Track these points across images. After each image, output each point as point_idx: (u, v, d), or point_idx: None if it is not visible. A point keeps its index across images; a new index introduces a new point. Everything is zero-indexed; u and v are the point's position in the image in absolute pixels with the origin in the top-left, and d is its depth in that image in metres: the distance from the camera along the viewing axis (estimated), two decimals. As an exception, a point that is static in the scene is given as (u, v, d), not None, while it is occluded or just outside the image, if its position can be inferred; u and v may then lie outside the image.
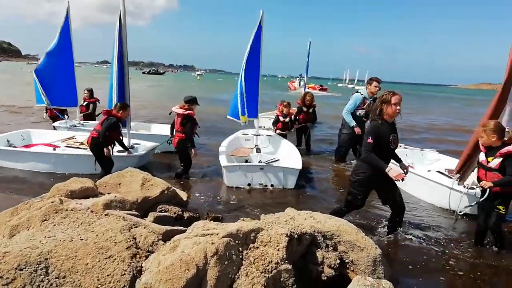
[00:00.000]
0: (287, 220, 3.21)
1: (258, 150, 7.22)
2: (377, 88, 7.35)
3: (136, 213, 3.41)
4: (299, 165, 6.20)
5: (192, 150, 6.35)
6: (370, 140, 3.89)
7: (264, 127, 16.32)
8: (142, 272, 2.49)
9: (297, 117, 8.94)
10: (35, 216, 2.95)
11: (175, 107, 6.36)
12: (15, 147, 6.84)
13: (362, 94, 7.57)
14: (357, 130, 7.55)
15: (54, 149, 6.71)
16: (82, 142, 6.98)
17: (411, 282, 3.49)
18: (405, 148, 7.63)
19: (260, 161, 6.43)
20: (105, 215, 3.03)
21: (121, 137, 6.29)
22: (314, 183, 6.79)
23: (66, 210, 3.02)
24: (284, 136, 8.31)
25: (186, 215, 4.03)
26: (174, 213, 3.91)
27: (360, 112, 7.59)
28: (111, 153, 5.94)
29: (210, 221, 3.28)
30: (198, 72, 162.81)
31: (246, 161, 6.79)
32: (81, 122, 8.73)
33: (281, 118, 8.35)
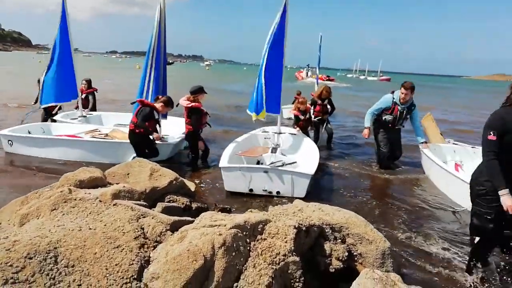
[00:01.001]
0: (295, 212, 3.19)
1: (274, 150, 6.36)
2: (404, 95, 6.36)
3: (144, 203, 3.42)
4: (311, 170, 5.16)
5: (199, 142, 6.32)
6: (491, 136, 2.80)
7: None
8: (150, 262, 2.50)
9: (313, 110, 8.37)
10: (44, 205, 2.97)
11: (182, 99, 6.22)
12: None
13: (394, 98, 6.56)
14: (364, 132, 6.85)
15: None
16: (107, 134, 6.95)
17: (420, 276, 3.45)
18: (454, 144, 7.02)
19: (272, 163, 5.53)
20: (114, 205, 3.04)
21: (158, 127, 6.18)
22: (332, 190, 5.86)
23: (75, 199, 3.04)
24: (307, 134, 7.71)
25: (194, 205, 4.04)
26: (182, 203, 3.92)
27: (387, 117, 6.67)
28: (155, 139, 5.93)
29: (218, 212, 3.28)
30: (207, 62, 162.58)
31: (258, 163, 6.07)
32: (84, 114, 8.54)
33: (301, 117, 7.70)
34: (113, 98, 15.98)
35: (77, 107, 8.77)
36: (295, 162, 5.89)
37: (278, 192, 5.22)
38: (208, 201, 4.86)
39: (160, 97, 6.10)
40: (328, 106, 8.47)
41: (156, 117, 5.88)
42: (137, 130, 5.67)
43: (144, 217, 2.89)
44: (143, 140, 5.79)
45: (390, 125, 6.70)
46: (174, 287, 2.21)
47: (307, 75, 57.48)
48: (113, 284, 2.28)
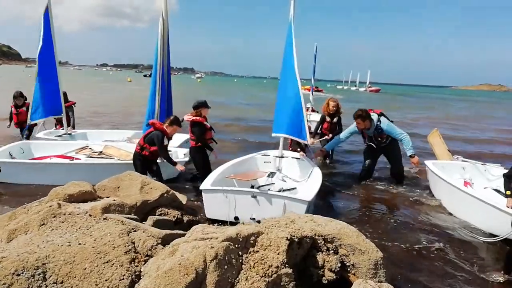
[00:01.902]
0: (287, 224, 3.18)
1: (271, 175, 5.80)
2: (357, 124, 6.32)
3: (135, 217, 3.38)
4: (308, 196, 4.45)
5: (212, 153, 6.05)
6: None
7: None
8: (141, 277, 2.47)
9: (320, 127, 7.79)
10: (33, 220, 2.93)
11: (186, 115, 5.95)
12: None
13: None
14: (316, 153, 6.77)
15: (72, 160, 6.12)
16: (100, 152, 6.53)
17: (412, 286, 3.45)
18: (463, 161, 6.62)
19: (269, 189, 4.96)
20: (104, 219, 3.00)
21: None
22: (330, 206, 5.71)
23: (64, 214, 3.00)
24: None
25: (185, 218, 4.01)
26: (174, 216, 3.89)
27: (366, 141, 6.69)
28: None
29: (210, 225, 3.25)
30: (198, 75, 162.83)
31: (252, 187, 5.19)
32: (69, 131, 7.77)
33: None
34: (101, 112, 15.92)
35: (57, 124, 8.26)
36: (295, 188, 5.27)
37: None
38: (200, 214, 4.82)
39: (167, 118, 5.69)
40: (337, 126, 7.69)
41: (166, 142, 5.47)
42: (143, 152, 5.39)
43: (135, 231, 2.86)
44: (148, 163, 5.48)
45: (374, 145, 6.54)
46: (166, 302, 2.18)
47: None
48: (103, 300, 2.24)
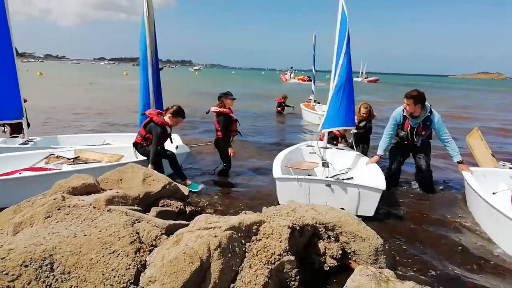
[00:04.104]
0: (289, 212, 3.23)
1: (326, 165, 5.75)
2: (406, 106, 5.39)
3: (139, 208, 3.42)
4: (382, 185, 4.48)
5: (229, 149, 6.02)
6: None
7: (294, 107, 16.21)
8: (147, 266, 2.52)
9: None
10: (38, 213, 2.96)
11: (213, 107, 5.97)
12: None
13: (403, 111, 5.58)
14: (371, 159, 5.64)
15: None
16: (76, 158, 5.62)
17: (413, 271, 3.51)
18: (511, 168, 5.54)
19: (327, 177, 4.98)
20: (108, 210, 3.04)
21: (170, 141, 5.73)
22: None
23: (69, 206, 3.03)
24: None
25: (188, 209, 4.05)
26: (176, 207, 3.93)
27: (400, 133, 5.72)
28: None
29: (213, 215, 3.30)
30: (196, 67, 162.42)
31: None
32: (30, 139, 6.42)
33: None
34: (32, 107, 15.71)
35: (11, 132, 6.72)
36: (352, 178, 5.07)
37: (342, 209, 4.32)
38: (202, 204, 4.88)
39: (169, 107, 5.47)
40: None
41: (169, 131, 5.43)
42: (148, 143, 5.29)
43: (139, 221, 2.90)
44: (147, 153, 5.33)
45: (405, 141, 5.68)
46: (172, 289, 2.23)
47: (290, 76, 63.50)
48: (110, 289, 2.29)
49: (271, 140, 10.28)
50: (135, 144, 5.45)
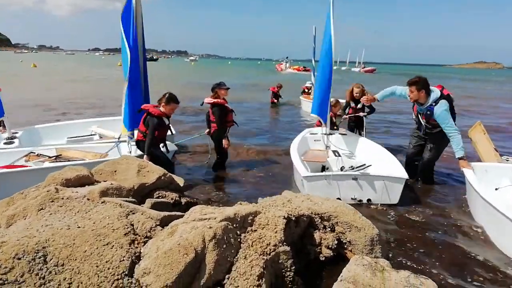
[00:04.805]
0: (284, 203, 3.22)
1: (337, 154, 5.94)
2: (409, 93, 5.27)
3: (133, 199, 3.40)
4: (404, 173, 4.77)
5: (223, 141, 5.91)
6: None
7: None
8: (141, 258, 2.50)
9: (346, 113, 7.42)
10: (31, 205, 2.93)
11: (206, 98, 5.87)
12: None
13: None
14: (366, 97, 6.06)
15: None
16: (57, 156, 5.47)
17: (408, 261, 3.52)
18: None
19: (342, 168, 5.32)
20: (102, 202, 3.02)
21: (170, 133, 5.63)
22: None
23: (62, 198, 3.00)
24: None
25: (183, 200, 4.03)
26: (172, 198, 3.91)
27: (413, 116, 5.67)
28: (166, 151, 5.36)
29: (208, 206, 3.28)
30: (192, 58, 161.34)
31: (323, 168, 5.71)
32: (13, 134, 6.24)
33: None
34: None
35: None
36: (370, 165, 5.07)
37: (369, 200, 4.84)
38: (197, 195, 4.86)
39: (161, 97, 5.31)
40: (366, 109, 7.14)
41: (167, 122, 5.33)
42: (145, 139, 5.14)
43: (134, 213, 2.88)
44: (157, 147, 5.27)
45: (417, 127, 5.64)
46: (166, 281, 2.22)
47: (286, 66, 65.94)
48: (104, 281, 2.27)
49: (266, 131, 10.28)
50: (138, 143, 5.28)
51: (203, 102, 5.87)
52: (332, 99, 6.76)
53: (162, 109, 5.18)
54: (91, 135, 6.80)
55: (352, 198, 4.80)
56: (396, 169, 4.98)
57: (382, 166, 5.21)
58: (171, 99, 5.22)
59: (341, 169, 5.44)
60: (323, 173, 4.95)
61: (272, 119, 13.31)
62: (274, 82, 17.74)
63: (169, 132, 5.58)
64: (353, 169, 5.10)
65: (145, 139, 5.03)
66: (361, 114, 7.08)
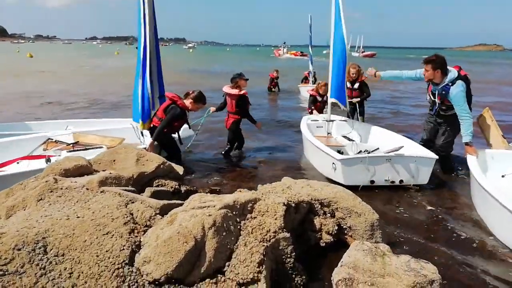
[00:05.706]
0: (284, 189, 3.22)
1: (348, 138, 6.08)
2: (425, 72, 5.05)
3: (133, 188, 3.39)
4: (433, 154, 4.89)
5: (256, 124, 6.21)
6: None
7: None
8: (141, 247, 2.50)
9: None
10: (30, 196, 2.93)
11: (225, 87, 5.93)
12: None
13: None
14: (369, 70, 5.98)
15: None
16: (76, 142, 5.39)
17: (409, 246, 3.53)
18: None
19: (360, 152, 5.38)
20: (101, 192, 3.01)
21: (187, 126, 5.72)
22: None
23: (61, 188, 2.99)
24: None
25: (183, 188, 4.03)
26: (171, 187, 3.91)
27: (427, 96, 5.48)
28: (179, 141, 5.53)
29: (207, 194, 3.28)
30: (190, 45, 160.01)
31: (339, 153, 5.50)
32: None
33: (318, 98, 7.39)
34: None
35: None
36: (402, 146, 5.03)
37: (401, 181, 4.88)
38: (197, 184, 4.86)
39: (190, 92, 5.44)
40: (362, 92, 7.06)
41: (187, 116, 5.44)
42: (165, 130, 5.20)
43: (133, 202, 2.87)
44: (167, 138, 5.34)
45: (431, 108, 5.48)
46: (166, 269, 2.22)
47: (283, 52, 67.25)
48: (104, 270, 2.28)
49: (266, 117, 10.21)
50: (152, 128, 5.27)
51: (225, 94, 5.94)
52: (320, 81, 7.31)
53: (187, 103, 5.29)
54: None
55: (385, 180, 4.84)
56: (423, 149, 5.11)
57: (409, 148, 5.16)
58: (200, 99, 5.39)
59: (358, 153, 5.42)
60: (360, 155, 5.00)
61: (271, 106, 13.26)
62: (272, 68, 17.63)
63: (185, 126, 5.68)
64: (368, 153, 5.15)
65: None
66: (354, 100, 7.00)
